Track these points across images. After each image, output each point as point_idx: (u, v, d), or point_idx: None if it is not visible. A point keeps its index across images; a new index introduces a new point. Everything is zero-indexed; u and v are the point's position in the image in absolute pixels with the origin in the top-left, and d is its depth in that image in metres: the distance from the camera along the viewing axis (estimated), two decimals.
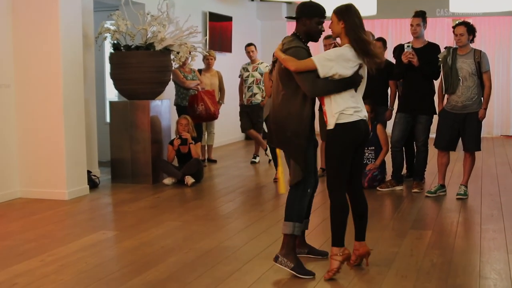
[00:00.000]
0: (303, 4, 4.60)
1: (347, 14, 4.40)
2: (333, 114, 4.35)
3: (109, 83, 9.42)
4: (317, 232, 5.61)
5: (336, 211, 4.43)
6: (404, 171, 8.12)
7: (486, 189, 7.78)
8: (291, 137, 4.46)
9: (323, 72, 4.28)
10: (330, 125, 4.38)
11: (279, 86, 4.54)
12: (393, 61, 7.95)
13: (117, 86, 8.48)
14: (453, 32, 7.07)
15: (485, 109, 7.03)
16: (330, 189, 4.46)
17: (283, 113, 4.48)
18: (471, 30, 7.00)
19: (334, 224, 4.45)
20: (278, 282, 4.40)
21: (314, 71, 4.30)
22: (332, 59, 4.29)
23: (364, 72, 4.41)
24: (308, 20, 4.51)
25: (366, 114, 4.48)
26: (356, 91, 4.39)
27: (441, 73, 7.21)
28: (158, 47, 8.20)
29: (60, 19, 7.09)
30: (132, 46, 8.24)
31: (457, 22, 7.34)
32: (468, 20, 7.61)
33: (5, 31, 7.15)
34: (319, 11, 4.54)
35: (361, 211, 4.61)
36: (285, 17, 5.25)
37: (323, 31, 4.60)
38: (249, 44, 10.10)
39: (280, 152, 5.02)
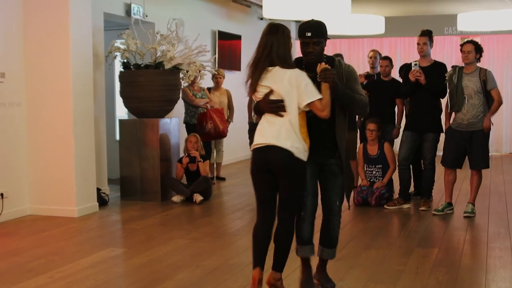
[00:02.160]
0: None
1: (263, 33, 4.24)
2: None
3: (118, 101, 9.50)
4: None
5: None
6: (412, 189, 8.14)
7: (493, 207, 7.79)
8: None
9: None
10: None
11: None
12: (400, 79, 8.02)
13: (126, 104, 8.55)
14: (461, 50, 7.13)
15: (489, 118, 7.03)
16: None
17: None
18: (478, 49, 7.06)
19: None
20: None
21: None
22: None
23: (283, 95, 4.11)
24: (300, 41, 4.32)
25: (274, 142, 4.12)
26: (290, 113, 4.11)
27: (447, 91, 7.26)
28: (167, 65, 8.28)
29: (70, 38, 7.18)
30: (142, 65, 8.32)
31: (465, 40, 7.39)
32: (476, 39, 7.65)
33: (16, 50, 7.26)
34: (299, 31, 4.27)
35: (276, 240, 4.29)
36: None
37: (311, 51, 4.23)
38: None
39: None
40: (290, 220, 4.27)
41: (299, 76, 4.12)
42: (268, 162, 4.17)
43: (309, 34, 4.19)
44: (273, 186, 4.25)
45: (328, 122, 4.23)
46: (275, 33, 4.15)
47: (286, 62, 4.14)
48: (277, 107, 4.12)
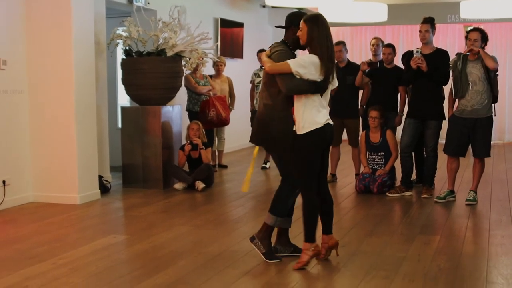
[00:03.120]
0: (292, 14, 4.90)
1: (316, 23, 4.62)
2: (303, 121, 4.64)
3: (121, 88, 9.50)
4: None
5: (308, 210, 4.74)
6: (414, 176, 8.14)
7: (495, 195, 7.79)
8: (277, 137, 4.89)
9: (297, 76, 4.60)
10: (299, 129, 4.66)
11: (264, 88, 4.91)
12: (402, 67, 8.00)
13: (128, 91, 8.55)
14: (466, 37, 7.09)
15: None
16: (303, 190, 4.77)
17: (267, 116, 4.91)
18: (484, 38, 7.03)
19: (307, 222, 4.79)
20: (286, 285, 4.44)
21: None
22: (306, 65, 4.57)
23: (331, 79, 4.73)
24: (297, 29, 4.74)
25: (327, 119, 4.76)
26: (321, 96, 4.69)
27: (451, 78, 7.23)
28: (170, 53, 8.27)
29: (72, 26, 7.17)
30: (144, 52, 8.31)
31: (471, 27, 7.34)
32: (480, 26, 7.61)
33: (18, 37, 7.25)
34: (298, 20, 4.77)
35: (328, 207, 4.93)
36: (275, 26, 5.42)
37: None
38: (261, 50, 10.13)
39: (256, 152, 5.46)
40: None
41: None
42: (329, 138, 4.80)
43: None
44: None
45: None
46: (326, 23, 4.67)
47: None
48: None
